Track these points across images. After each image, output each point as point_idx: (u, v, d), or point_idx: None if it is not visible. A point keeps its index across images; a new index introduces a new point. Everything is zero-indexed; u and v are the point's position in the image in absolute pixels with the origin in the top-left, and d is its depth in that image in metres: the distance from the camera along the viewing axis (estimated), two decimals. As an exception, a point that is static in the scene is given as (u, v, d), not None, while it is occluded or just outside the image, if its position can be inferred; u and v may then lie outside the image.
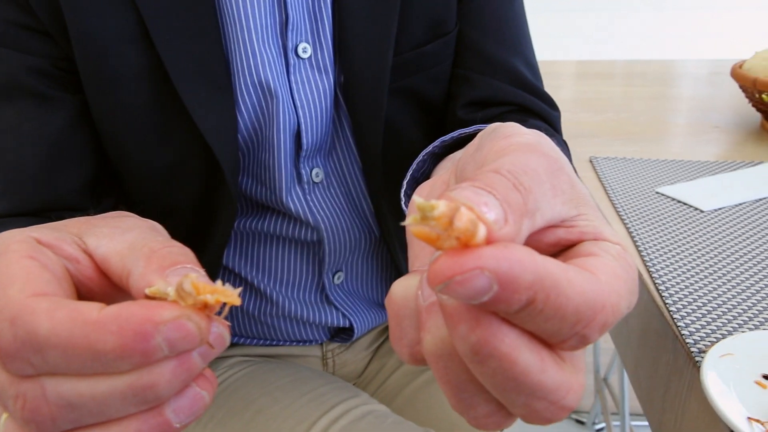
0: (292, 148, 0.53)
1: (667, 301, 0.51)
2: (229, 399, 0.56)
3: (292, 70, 0.51)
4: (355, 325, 0.63)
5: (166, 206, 0.53)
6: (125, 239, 0.27)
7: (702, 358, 0.43)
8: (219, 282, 0.24)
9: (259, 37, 0.48)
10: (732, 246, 0.59)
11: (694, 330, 0.47)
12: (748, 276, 0.54)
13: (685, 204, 0.69)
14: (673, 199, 0.70)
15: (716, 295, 0.51)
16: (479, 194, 0.19)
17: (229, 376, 0.59)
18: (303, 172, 0.55)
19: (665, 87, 1.38)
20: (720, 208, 0.67)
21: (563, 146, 0.55)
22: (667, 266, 0.56)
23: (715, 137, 0.97)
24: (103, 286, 0.27)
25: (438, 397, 0.62)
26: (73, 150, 0.49)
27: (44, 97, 0.47)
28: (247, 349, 0.64)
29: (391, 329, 0.23)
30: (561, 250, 0.24)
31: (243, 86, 0.49)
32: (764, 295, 0.51)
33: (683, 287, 0.53)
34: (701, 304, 0.50)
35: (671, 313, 0.50)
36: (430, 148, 0.38)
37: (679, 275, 0.55)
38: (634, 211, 0.68)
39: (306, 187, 0.56)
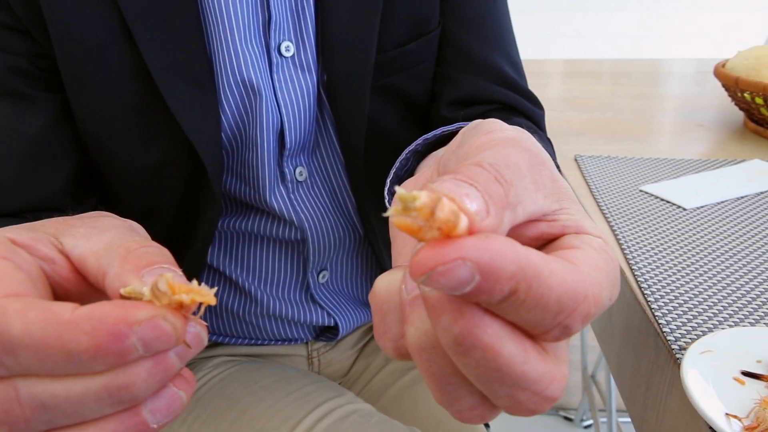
0: (276, 146, 0.53)
1: (648, 299, 0.52)
2: (213, 399, 0.56)
3: (275, 68, 0.51)
4: (340, 324, 0.63)
5: (150, 206, 0.53)
6: (102, 239, 0.27)
7: (683, 355, 0.44)
8: (195, 282, 0.24)
9: (242, 35, 0.48)
10: (714, 244, 0.60)
11: (675, 327, 0.48)
12: (729, 273, 0.55)
13: (668, 202, 0.69)
14: (657, 197, 0.71)
15: (697, 293, 0.52)
16: (461, 186, 0.19)
17: (213, 376, 0.59)
18: (287, 170, 0.54)
19: (651, 86, 1.39)
20: (702, 206, 0.68)
21: (547, 144, 0.55)
22: (650, 264, 0.57)
23: (699, 136, 0.97)
24: (80, 287, 0.27)
25: (423, 396, 0.62)
26: (54, 150, 0.49)
27: (24, 97, 0.47)
28: (232, 349, 0.64)
29: (375, 324, 0.23)
30: (543, 244, 0.24)
31: (226, 85, 0.49)
32: (744, 292, 0.52)
33: (665, 285, 0.53)
34: (682, 302, 0.51)
35: (653, 310, 0.50)
36: (413, 146, 0.38)
37: (661, 273, 0.55)
38: (618, 209, 0.68)
39: (290, 185, 0.55)
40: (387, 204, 0.38)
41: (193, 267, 0.56)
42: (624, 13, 2.58)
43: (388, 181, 0.38)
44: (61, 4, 0.44)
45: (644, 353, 0.51)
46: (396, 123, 0.57)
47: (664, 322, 0.48)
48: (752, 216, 0.65)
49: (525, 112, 0.58)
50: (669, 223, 0.65)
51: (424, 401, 0.62)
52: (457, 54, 0.57)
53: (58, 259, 0.26)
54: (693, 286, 0.53)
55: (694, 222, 0.64)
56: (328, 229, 0.58)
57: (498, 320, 0.19)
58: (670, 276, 0.55)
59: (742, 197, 0.70)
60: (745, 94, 0.89)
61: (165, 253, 0.27)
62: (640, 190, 0.73)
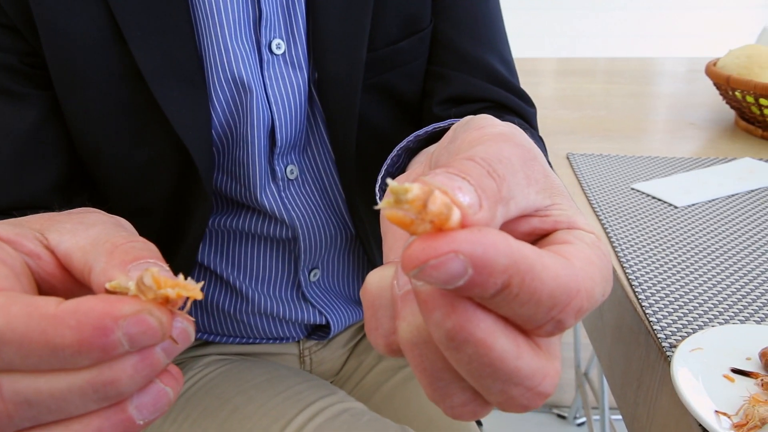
0: (267, 144, 0.52)
1: (639, 296, 0.52)
2: (204, 398, 0.56)
3: (265, 66, 0.50)
4: (331, 323, 0.63)
5: (140, 204, 0.53)
6: (88, 235, 0.26)
7: (673, 352, 0.44)
8: (181, 276, 0.24)
9: (233, 33, 0.48)
10: (705, 242, 0.60)
11: (665, 325, 0.48)
12: (720, 271, 0.55)
13: (659, 200, 0.70)
14: (648, 195, 0.71)
15: (688, 290, 0.52)
16: (453, 179, 0.19)
17: (204, 375, 0.59)
18: (277, 168, 0.54)
19: (644, 85, 1.40)
20: (693, 204, 0.68)
21: (539, 141, 0.55)
22: (641, 261, 0.57)
23: (691, 134, 0.98)
24: (66, 283, 0.27)
25: (416, 395, 0.62)
26: (43, 148, 0.48)
27: (13, 95, 0.46)
28: (224, 348, 0.64)
29: (366, 319, 0.23)
30: (535, 240, 0.24)
31: (217, 82, 0.48)
32: (734, 290, 0.52)
33: (656, 282, 0.53)
34: (673, 299, 0.51)
35: (644, 308, 0.50)
36: (404, 142, 0.38)
37: (652, 270, 0.55)
38: (610, 207, 0.68)
39: (280, 183, 0.55)
40: (379, 201, 0.38)
41: (183, 265, 0.55)
42: (618, 12, 2.59)
43: (379, 178, 0.38)
44: (50, 5, 0.44)
45: (635, 351, 0.52)
46: (387, 121, 0.57)
47: (655, 320, 0.48)
48: (743, 214, 0.66)
49: (517, 110, 0.58)
50: (660, 221, 0.65)
51: (416, 399, 0.62)
52: (448, 52, 0.57)
53: (44, 254, 0.26)
54: (684, 284, 0.53)
55: (686, 220, 0.65)
56: (319, 227, 0.58)
57: (491, 315, 0.19)
58: (661, 274, 0.55)
59: (733, 195, 0.70)
60: (736, 93, 0.89)
61: (152, 248, 0.26)
62: (632, 188, 0.73)
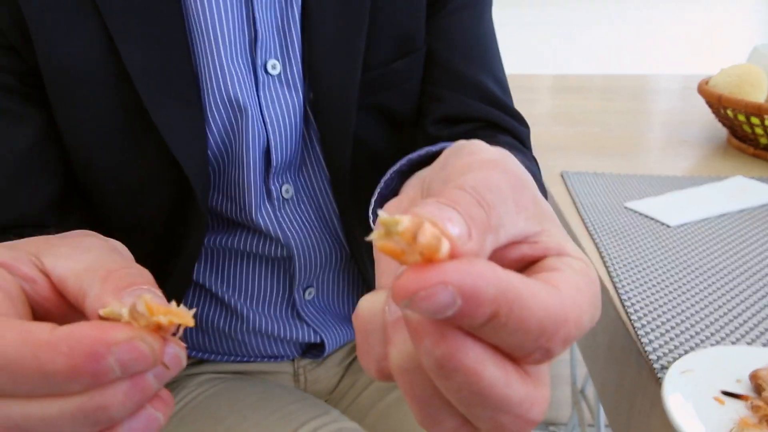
0: (262, 164, 0.53)
1: (632, 317, 0.52)
2: (198, 417, 0.55)
3: (261, 86, 0.51)
4: (326, 341, 0.63)
5: (135, 222, 0.53)
6: (83, 260, 0.27)
7: (664, 374, 0.44)
8: (173, 303, 0.24)
9: (228, 53, 0.49)
10: (696, 261, 0.60)
11: (657, 346, 0.48)
12: (711, 291, 0.55)
13: (652, 219, 0.70)
14: (641, 214, 0.71)
15: (680, 311, 0.52)
16: (443, 210, 0.20)
17: (198, 394, 0.59)
18: (273, 188, 0.55)
19: (638, 102, 1.41)
20: (686, 223, 0.69)
21: (532, 162, 0.55)
22: (634, 281, 0.57)
23: (684, 152, 0.99)
24: (61, 307, 0.27)
25: (410, 414, 0.62)
26: (40, 167, 0.49)
27: (10, 114, 0.47)
28: (218, 366, 0.63)
29: (358, 344, 0.23)
30: (525, 266, 0.24)
31: (212, 103, 0.49)
32: (726, 310, 0.52)
33: (648, 302, 0.54)
34: (665, 320, 0.51)
35: (635, 328, 0.51)
36: (397, 166, 0.39)
37: (644, 290, 0.56)
38: (603, 226, 0.69)
39: (276, 203, 0.55)
40: (371, 224, 0.38)
41: (178, 284, 0.55)
42: (614, 29, 2.62)
43: (373, 201, 0.38)
44: (47, 25, 0.44)
45: (627, 371, 0.52)
46: (382, 141, 0.58)
47: (647, 341, 0.49)
48: (734, 233, 0.66)
49: (510, 129, 0.58)
50: (653, 240, 0.65)
51: (410, 419, 0.62)
52: (442, 73, 0.58)
53: (39, 278, 0.26)
54: (676, 304, 0.53)
55: (678, 239, 0.65)
56: (314, 246, 0.58)
57: (480, 343, 0.19)
58: (653, 294, 0.55)
59: (725, 214, 0.71)
60: (728, 111, 0.90)
61: (146, 274, 0.27)
62: (625, 207, 0.74)
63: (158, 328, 0.23)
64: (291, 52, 0.51)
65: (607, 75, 1.72)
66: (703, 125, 1.13)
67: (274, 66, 0.51)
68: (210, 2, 0.47)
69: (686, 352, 0.47)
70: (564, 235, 0.25)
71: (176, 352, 0.24)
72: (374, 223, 0.38)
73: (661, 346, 0.48)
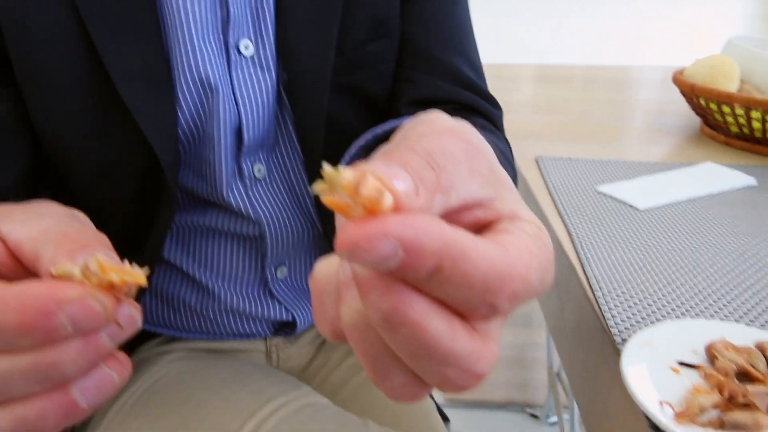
0: (233, 143, 0.53)
1: (596, 294, 0.53)
2: (168, 393, 0.56)
3: (233, 66, 0.51)
4: (297, 320, 0.63)
5: (104, 200, 0.53)
6: (39, 225, 0.27)
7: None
8: (126, 262, 0.24)
9: (200, 33, 0.49)
10: (663, 242, 0.62)
11: (620, 321, 0.49)
12: (674, 270, 0.56)
13: (622, 202, 0.71)
14: (612, 198, 0.73)
15: (643, 288, 0.54)
16: (390, 167, 0.20)
17: (170, 371, 0.59)
18: (244, 167, 0.55)
19: (619, 92, 1.42)
20: (654, 207, 0.70)
21: (504, 143, 0.56)
22: (600, 261, 0.58)
23: (659, 139, 1.00)
24: (17, 272, 0.27)
25: (381, 391, 0.63)
26: (7, 144, 0.49)
27: None
28: (190, 344, 0.64)
29: (314, 307, 0.24)
30: (478, 230, 0.25)
31: (183, 82, 0.49)
32: (688, 288, 0.53)
33: (613, 280, 0.55)
34: (628, 297, 0.52)
35: (600, 305, 0.52)
36: (362, 140, 0.39)
37: (610, 270, 0.57)
38: (574, 208, 0.70)
39: (247, 182, 0.56)
40: None
41: (149, 261, 0.55)
42: (600, 20, 2.63)
43: None
44: (15, 2, 0.44)
45: (592, 348, 0.53)
46: (356, 122, 0.58)
47: (610, 316, 0.50)
48: (700, 216, 0.68)
49: (483, 112, 0.59)
50: (622, 222, 0.66)
51: (381, 396, 0.63)
52: (416, 55, 0.58)
53: None
54: (639, 282, 0.54)
55: (646, 222, 0.66)
56: (287, 225, 0.59)
57: (425, 297, 0.20)
58: (618, 273, 0.56)
59: (693, 199, 0.72)
60: (701, 101, 0.92)
61: (102, 238, 0.27)
62: (597, 191, 0.75)
63: (111, 287, 0.23)
64: (264, 33, 0.51)
65: (590, 66, 1.73)
66: (679, 115, 1.15)
67: (247, 46, 0.51)
68: None
69: (648, 327, 0.48)
70: (519, 201, 0.26)
71: (130, 312, 0.25)
72: None
73: (623, 321, 0.49)
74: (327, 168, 0.19)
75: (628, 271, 0.56)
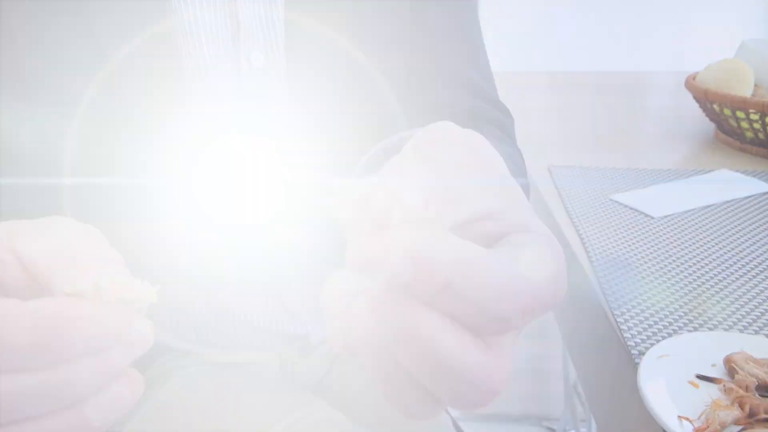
0: None
1: (611, 305, 0.52)
2: (184, 409, 0.56)
3: (243, 76, 0.51)
4: (311, 333, 0.63)
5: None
6: (53, 241, 0.27)
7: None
8: (138, 279, 0.25)
9: (211, 45, 0.49)
10: (678, 252, 0.61)
11: (636, 333, 0.48)
12: (692, 280, 0.56)
13: (636, 211, 0.70)
14: (626, 206, 0.72)
15: (659, 299, 0.53)
16: (400, 180, 0.20)
17: (184, 385, 0.59)
18: None
19: (631, 98, 1.42)
20: (669, 215, 0.69)
21: (515, 151, 0.56)
22: (615, 271, 0.58)
23: (673, 146, 0.99)
24: (31, 288, 0.27)
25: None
26: None
27: None
28: (204, 357, 0.64)
29: (326, 321, 0.24)
30: (489, 242, 0.25)
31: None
32: (705, 298, 0.53)
33: (628, 291, 0.54)
34: (645, 308, 0.52)
35: (615, 316, 0.51)
36: (371, 152, 0.39)
37: (625, 280, 0.56)
38: (588, 217, 0.69)
39: None
40: None
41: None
42: (608, 26, 2.62)
43: None
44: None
45: (608, 359, 0.52)
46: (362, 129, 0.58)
47: (626, 328, 0.49)
48: (717, 225, 0.67)
49: (494, 120, 0.59)
50: (636, 231, 0.66)
51: (397, 412, 0.62)
52: (426, 64, 0.58)
53: (9, 260, 0.27)
54: (655, 293, 0.54)
55: (661, 231, 0.66)
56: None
57: (436, 313, 0.19)
58: (634, 283, 0.55)
59: (709, 206, 0.71)
60: (715, 106, 0.91)
61: (114, 255, 0.27)
62: (611, 200, 0.74)
63: (123, 305, 0.24)
64: (275, 44, 0.52)
65: (601, 72, 1.73)
66: (692, 121, 1.14)
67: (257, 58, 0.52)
68: None
69: (665, 338, 0.47)
70: (530, 213, 0.25)
71: (142, 330, 0.24)
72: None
73: (639, 333, 0.48)
74: (336, 182, 0.18)
75: (643, 281, 0.56)
